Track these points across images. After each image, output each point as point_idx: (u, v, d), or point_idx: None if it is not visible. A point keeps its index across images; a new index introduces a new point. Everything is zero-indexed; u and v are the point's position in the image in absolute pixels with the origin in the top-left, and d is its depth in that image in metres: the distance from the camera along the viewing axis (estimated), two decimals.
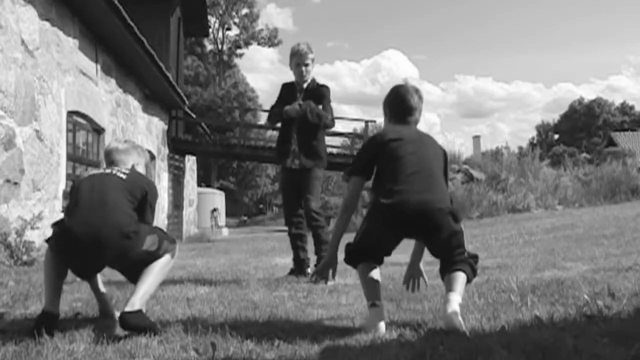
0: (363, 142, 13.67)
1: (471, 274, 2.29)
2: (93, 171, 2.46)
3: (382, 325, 2.19)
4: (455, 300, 2.14)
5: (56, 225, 2.33)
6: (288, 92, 4.29)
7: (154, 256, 2.32)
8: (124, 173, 2.44)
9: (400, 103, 2.56)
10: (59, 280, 2.32)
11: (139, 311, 2.18)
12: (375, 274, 2.32)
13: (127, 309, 2.16)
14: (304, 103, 4.12)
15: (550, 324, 2.12)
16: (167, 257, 2.37)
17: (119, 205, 2.30)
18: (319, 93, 4.21)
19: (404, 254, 2.99)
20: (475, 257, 2.35)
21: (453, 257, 2.29)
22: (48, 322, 2.18)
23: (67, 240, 2.23)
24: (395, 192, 2.27)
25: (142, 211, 2.40)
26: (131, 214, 2.32)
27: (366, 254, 2.35)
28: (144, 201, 2.41)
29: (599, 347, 1.70)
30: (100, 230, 2.20)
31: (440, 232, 2.29)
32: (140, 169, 2.65)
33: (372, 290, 2.28)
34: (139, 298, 2.21)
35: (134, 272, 2.33)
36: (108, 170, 2.44)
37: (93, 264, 2.33)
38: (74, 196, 2.37)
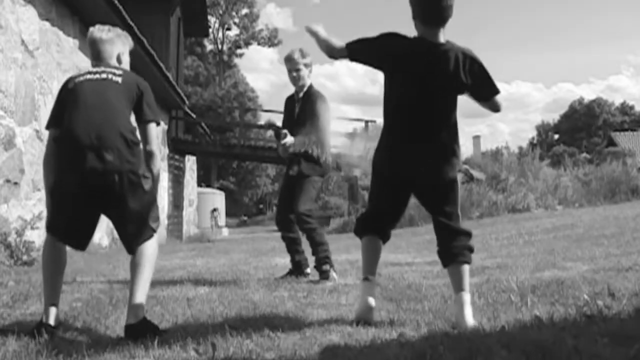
0: (363, 142, 13.50)
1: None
2: (86, 75, 2.38)
3: (371, 300, 2.31)
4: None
5: (55, 128, 2.35)
6: (289, 104, 4.29)
7: (147, 222, 2.30)
8: (118, 75, 2.39)
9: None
10: (57, 275, 2.27)
11: (143, 319, 2.18)
12: (376, 248, 2.45)
13: (132, 320, 2.15)
14: (287, 145, 3.97)
15: (550, 324, 2.12)
16: (152, 243, 2.33)
17: (119, 109, 2.30)
18: (309, 104, 4.12)
19: (405, 253, 2.99)
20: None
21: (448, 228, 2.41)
22: (46, 331, 2.15)
23: (68, 143, 2.23)
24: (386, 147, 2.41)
25: (139, 110, 2.39)
26: (132, 125, 2.33)
27: (374, 221, 2.47)
28: (140, 101, 2.39)
29: (599, 347, 1.70)
30: (101, 128, 2.21)
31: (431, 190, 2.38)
32: (126, 58, 2.60)
33: (367, 264, 2.42)
34: (140, 304, 2.20)
35: (127, 224, 2.29)
36: (103, 76, 2.37)
37: (93, 177, 2.19)
38: (71, 98, 2.33)
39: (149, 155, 2.37)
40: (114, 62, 2.51)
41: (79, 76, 2.41)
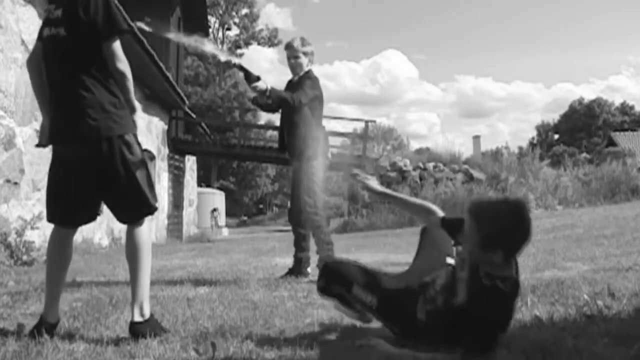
0: (363, 142, 13.54)
1: None
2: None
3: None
4: None
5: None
6: (286, 87, 4.29)
7: (139, 194, 2.20)
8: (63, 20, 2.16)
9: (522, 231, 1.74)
10: (61, 271, 2.25)
11: (150, 318, 2.17)
12: None
13: (138, 318, 2.14)
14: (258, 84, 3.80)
15: (550, 324, 2.12)
16: (144, 230, 2.24)
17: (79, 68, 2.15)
18: (298, 82, 4.14)
19: (405, 253, 2.99)
20: None
21: None
22: (46, 330, 2.15)
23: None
24: None
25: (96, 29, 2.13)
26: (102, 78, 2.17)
27: None
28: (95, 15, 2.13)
29: (599, 347, 1.70)
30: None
31: None
32: None
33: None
34: (144, 301, 2.18)
35: (120, 202, 2.23)
36: (52, 32, 2.16)
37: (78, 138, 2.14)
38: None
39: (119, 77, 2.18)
40: None
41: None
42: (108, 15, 2.15)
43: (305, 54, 4.15)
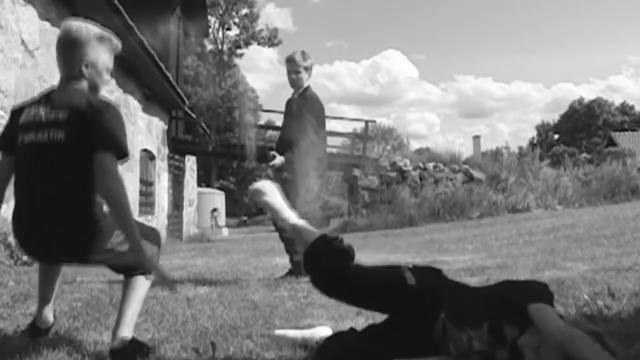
0: (363, 142, 13.55)
1: None
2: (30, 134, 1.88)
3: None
4: None
5: None
6: (287, 106, 4.34)
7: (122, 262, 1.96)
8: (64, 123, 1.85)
9: None
10: (51, 280, 2.15)
11: (131, 341, 1.92)
12: None
13: (117, 345, 1.88)
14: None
15: None
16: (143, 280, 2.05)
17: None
18: (297, 107, 4.16)
19: (405, 253, 2.99)
20: None
21: None
22: (36, 334, 2.11)
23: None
24: None
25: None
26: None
27: None
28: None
29: None
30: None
31: None
32: (102, 63, 1.99)
33: None
34: (127, 327, 1.94)
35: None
36: (45, 136, 1.86)
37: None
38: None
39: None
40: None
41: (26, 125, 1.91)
42: (117, 133, 1.88)
43: (306, 68, 4.18)
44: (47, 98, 1.95)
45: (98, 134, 1.82)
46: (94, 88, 1.99)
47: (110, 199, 1.80)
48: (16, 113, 1.99)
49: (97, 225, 1.85)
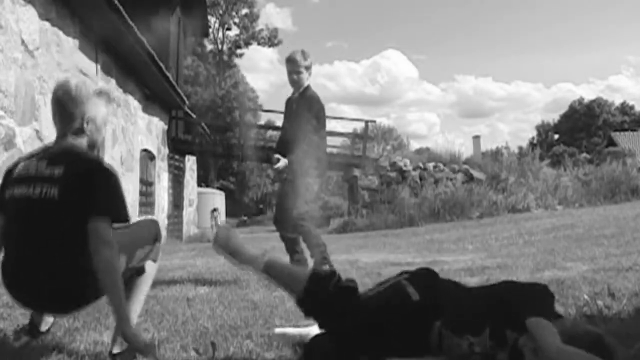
0: (363, 142, 13.53)
1: None
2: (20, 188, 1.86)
3: None
4: None
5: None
6: (288, 105, 4.35)
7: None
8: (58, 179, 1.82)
9: None
10: None
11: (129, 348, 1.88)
12: None
13: (116, 350, 1.88)
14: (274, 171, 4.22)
15: None
16: (147, 273, 2.08)
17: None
18: (297, 106, 4.17)
19: (405, 254, 2.99)
20: None
21: None
22: (36, 334, 2.10)
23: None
24: None
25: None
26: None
27: None
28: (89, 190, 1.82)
29: None
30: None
31: None
32: (100, 118, 2.01)
33: None
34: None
35: None
36: (38, 191, 1.83)
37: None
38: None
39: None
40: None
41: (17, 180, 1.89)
42: (113, 199, 1.87)
43: (306, 68, 4.18)
44: (44, 153, 1.95)
45: (93, 199, 1.81)
46: (92, 145, 1.99)
47: (99, 264, 1.76)
48: (10, 171, 1.97)
49: (84, 282, 1.83)
